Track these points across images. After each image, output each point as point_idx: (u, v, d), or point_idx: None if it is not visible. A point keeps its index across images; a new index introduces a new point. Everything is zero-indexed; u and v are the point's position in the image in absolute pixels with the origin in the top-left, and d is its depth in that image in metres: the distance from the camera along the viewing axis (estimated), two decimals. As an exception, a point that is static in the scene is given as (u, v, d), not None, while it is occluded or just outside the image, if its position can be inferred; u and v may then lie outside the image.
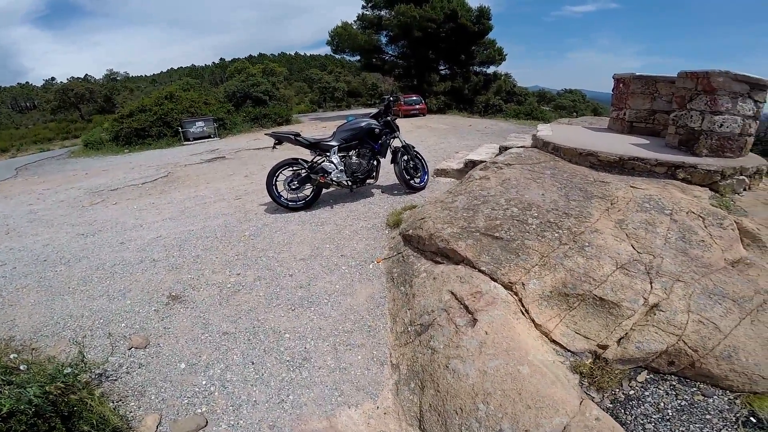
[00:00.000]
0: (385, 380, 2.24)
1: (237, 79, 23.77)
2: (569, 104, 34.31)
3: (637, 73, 5.39)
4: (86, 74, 51.17)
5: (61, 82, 45.56)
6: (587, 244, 2.68)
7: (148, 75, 79.73)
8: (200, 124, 16.63)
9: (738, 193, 3.70)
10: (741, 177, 3.72)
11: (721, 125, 3.90)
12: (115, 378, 2.28)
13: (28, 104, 53.33)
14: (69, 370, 1.95)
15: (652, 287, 2.31)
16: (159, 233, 4.41)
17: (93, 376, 2.23)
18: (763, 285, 2.42)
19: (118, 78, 50.81)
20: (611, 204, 3.18)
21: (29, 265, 3.77)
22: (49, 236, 4.70)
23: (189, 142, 15.81)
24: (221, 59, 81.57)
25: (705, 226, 2.92)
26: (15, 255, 4.08)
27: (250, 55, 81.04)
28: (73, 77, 45.75)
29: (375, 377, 2.26)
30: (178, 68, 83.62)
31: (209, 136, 16.65)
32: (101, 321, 2.80)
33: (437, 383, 2.01)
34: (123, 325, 2.75)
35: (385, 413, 2.03)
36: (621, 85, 5.71)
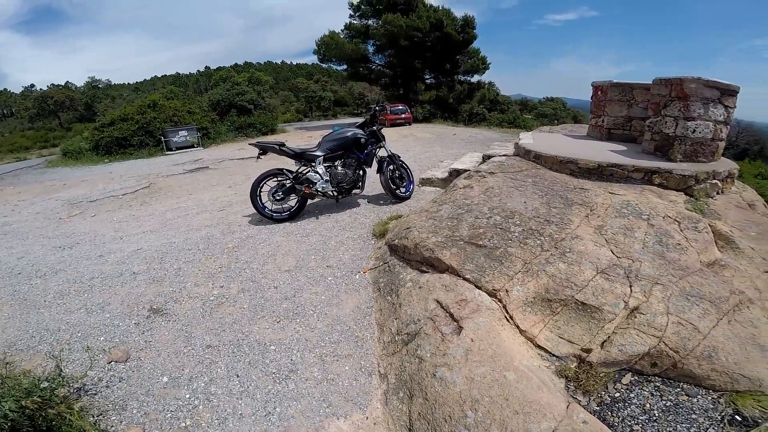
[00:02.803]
0: (373, 390, 2.23)
1: (222, 88, 23.62)
2: (551, 112, 35.05)
3: (615, 81, 5.55)
4: (67, 81, 50.06)
5: (40, 89, 44.49)
6: (568, 250, 2.74)
7: (131, 83, 78.48)
8: (183, 133, 16.41)
9: (711, 197, 3.82)
10: (714, 181, 3.85)
11: (694, 131, 4.04)
12: (94, 392, 2.22)
13: (5, 111, 51.85)
14: (46, 384, 1.90)
15: (632, 291, 2.37)
16: (139, 246, 4.32)
17: (72, 390, 2.17)
18: (738, 286, 2.52)
19: (100, 85, 49.79)
20: (591, 210, 3.25)
21: (2, 278, 3.64)
22: (24, 249, 4.55)
23: (172, 152, 15.57)
24: (206, 67, 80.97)
25: (681, 230, 3.02)
26: (-12, 269, 3.95)
27: (236, 64, 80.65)
28: (53, 84, 44.78)
29: (363, 387, 2.25)
30: (162, 76, 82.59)
31: (192, 146, 16.43)
32: (79, 335, 2.72)
33: (425, 392, 2.01)
34: (102, 338, 2.68)
35: (374, 423, 2.02)
36: (599, 92, 5.87)
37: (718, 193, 3.92)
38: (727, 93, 4.06)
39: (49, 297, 3.25)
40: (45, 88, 42.31)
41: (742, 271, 2.73)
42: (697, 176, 3.73)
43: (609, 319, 2.24)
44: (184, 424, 2.02)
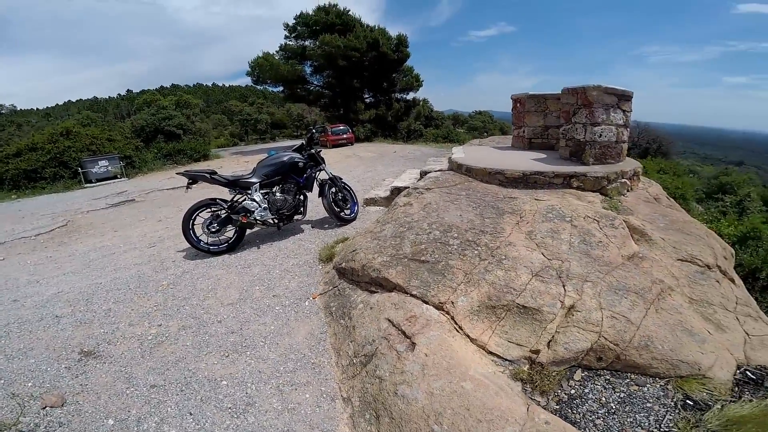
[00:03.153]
0: (338, 415, 2.21)
1: (146, 112, 22.13)
2: (480, 125, 37.25)
3: (530, 93, 5.99)
4: (-36, 105, 44.03)
5: (-69, 115, 38.66)
6: (504, 257, 2.92)
7: (41, 108, 70.86)
8: (104, 163, 15.08)
9: (623, 195, 4.24)
10: (623, 180, 4.29)
11: (600, 135, 4.47)
12: None
13: None
14: None
15: (565, 290, 2.56)
16: (60, 288, 3.91)
17: None
18: (657, 275, 2.79)
19: (3, 111, 44.38)
20: (520, 217, 3.51)
21: None
22: None
23: (91, 184, 14.26)
24: (128, 90, 75.66)
25: (601, 228, 3.32)
26: None
27: (162, 86, 76.31)
28: (-57, 111, 39.05)
29: (327, 413, 2.22)
30: (78, 100, 75.66)
31: (115, 177, 15.15)
32: (1, 381, 2.46)
33: (390, 411, 2.03)
34: (30, 384, 2.44)
35: (343, 449, 1.99)
36: (518, 104, 6.28)
37: (628, 191, 4.35)
38: (623, 98, 4.53)
39: (-45, 351, 2.85)
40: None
41: (658, 261, 3.02)
42: (608, 177, 4.12)
43: (550, 320, 2.38)
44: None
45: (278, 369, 2.57)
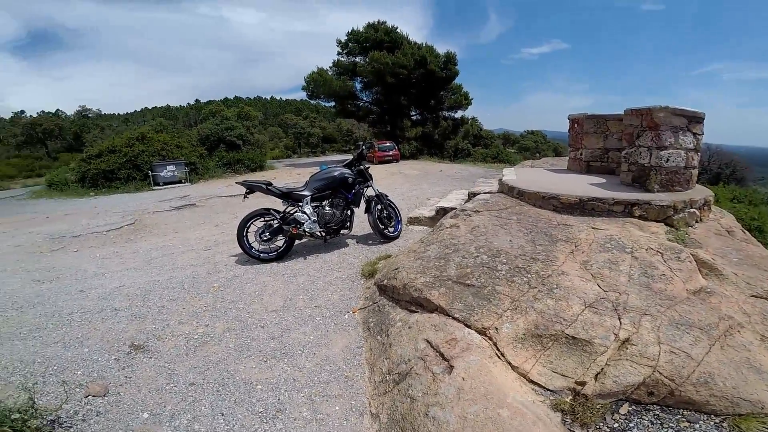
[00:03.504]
0: (364, 430, 2.17)
1: (211, 122, 23.82)
2: (532, 145, 36.21)
3: (589, 113, 5.68)
4: (57, 109, 49.71)
5: (30, 115, 44.04)
6: (555, 286, 2.78)
7: (122, 113, 78.70)
8: (171, 168, 16.35)
9: (691, 226, 3.88)
10: (692, 210, 3.92)
11: (668, 160, 4.11)
12: (69, 425, 2.14)
13: (-8, 137, 50.96)
14: (17, 415, 1.86)
15: (621, 323, 2.40)
16: (122, 282, 4.22)
17: (45, 423, 2.08)
18: (725, 311, 2.56)
19: (90, 115, 49.60)
20: (575, 246, 3.33)
21: (-25, 313, 3.50)
22: (0, 281, 4.41)
23: (159, 187, 15.47)
24: (197, 100, 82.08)
25: (665, 261, 3.08)
26: (-39, 303, 3.79)
27: (226, 98, 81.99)
28: (43, 111, 44.50)
29: (354, 427, 2.19)
30: (153, 107, 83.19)
31: (180, 182, 16.34)
32: (55, 368, 2.64)
33: (418, 431, 1.97)
34: (79, 372, 2.61)
35: (366, 467, 1.95)
36: (576, 125, 5.99)
37: (697, 222, 3.98)
38: (694, 120, 4.16)
39: (24, 330, 3.15)
40: (35, 115, 41.98)
41: (728, 296, 2.78)
42: (675, 206, 3.80)
43: (600, 352, 2.25)
44: (164, 464, 1.91)
45: (312, 379, 2.58)
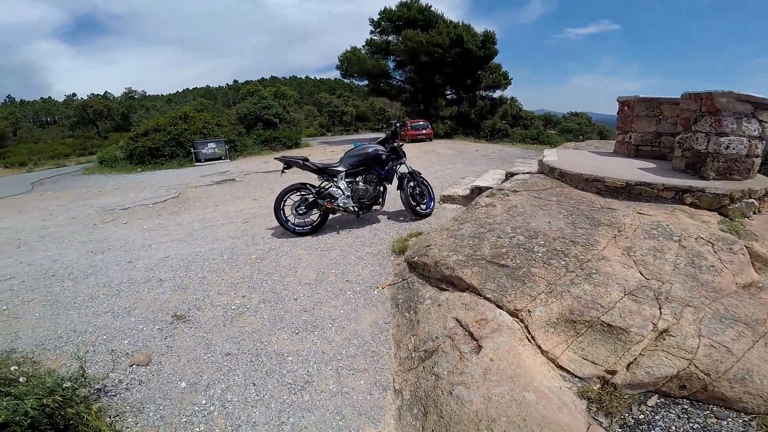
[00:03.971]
0: (387, 405, 2.20)
1: (249, 102, 24.38)
2: (575, 127, 34.50)
3: (642, 96, 5.40)
4: (106, 91, 52.68)
5: (81, 98, 46.96)
6: (594, 271, 2.66)
7: (165, 94, 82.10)
8: (212, 145, 16.97)
9: (748, 217, 3.64)
10: (750, 200, 3.67)
11: (727, 147, 3.87)
12: (114, 393, 2.27)
13: (48, 119, 55.11)
14: (68, 383, 1.96)
15: (661, 313, 2.30)
16: (167, 254, 4.46)
17: (92, 391, 2.23)
18: None
19: (136, 96, 52.22)
20: (618, 231, 3.16)
21: (37, 280, 3.81)
22: (58, 252, 4.77)
23: (200, 164, 16.12)
24: (235, 81, 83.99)
25: (714, 252, 2.90)
26: (24, 269, 4.15)
27: (263, 78, 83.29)
28: (93, 94, 47.27)
29: (377, 402, 2.22)
30: (194, 88, 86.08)
31: (220, 158, 16.95)
32: (104, 337, 2.81)
33: (440, 409, 1.98)
34: (126, 342, 2.77)
35: (386, 439, 1.99)
36: (626, 108, 5.73)
37: (754, 213, 3.73)
38: (761, 107, 3.88)
39: (79, 300, 3.38)
40: (86, 98, 44.63)
41: None
42: (731, 195, 3.57)
43: (636, 341, 2.16)
44: (198, 430, 2.03)
45: (340, 352, 2.63)
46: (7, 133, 32.01)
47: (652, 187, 3.79)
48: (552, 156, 5.82)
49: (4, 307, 3.25)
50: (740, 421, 1.85)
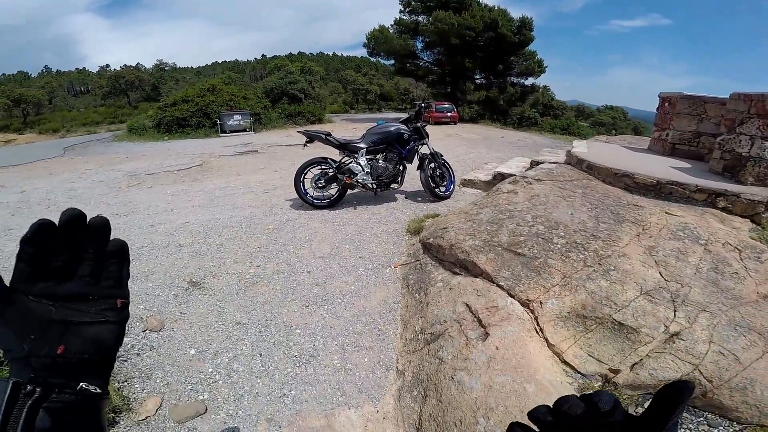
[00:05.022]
0: (388, 385, 2.22)
1: (276, 76, 24.39)
2: (609, 121, 33.23)
3: (685, 93, 5.16)
4: (138, 63, 53.73)
5: (114, 69, 48.07)
6: (613, 267, 2.59)
7: (194, 66, 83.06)
8: (237, 117, 17.14)
9: None
10: None
11: None
12: (125, 359, 2.33)
13: (82, 89, 56.80)
14: None
15: (675, 315, 2.23)
16: (187, 219, 4.56)
17: None
18: None
19: (166, 68, 53.04)
20: (643, 229, 3.05)
21: (62, 240, 3.96)
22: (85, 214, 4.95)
23: (225, 135, 16.32)
24: (263, 55, 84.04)
25: (741, 259, 2.77)
26: (52, 229, 4.31)
27: (290, 53, 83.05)
28: (125, 65, 48.30)
29: (379, 381, 2.25)
30: (223, 62, 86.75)
31: (245, 130, 17.11)
32: None
33: (440, 393, 1.98)
34: (142, 306, 2.84)
35: (384, 418, 2.02)
36: (666, 104, 5.50)
37: None
38: None
39: (101, 261, 3.49)
40: (118, 69, 45.65)
41: None
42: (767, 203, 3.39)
43: (645, 342, 2.11)
44: (201, 398, 2.08)
45: (347, 328, 2.66)
46: (43, 102, 33.15)
47: (684, 188, 3.62)
48: (581, 147, 5.63)
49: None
50: (731, 430, 1.83)
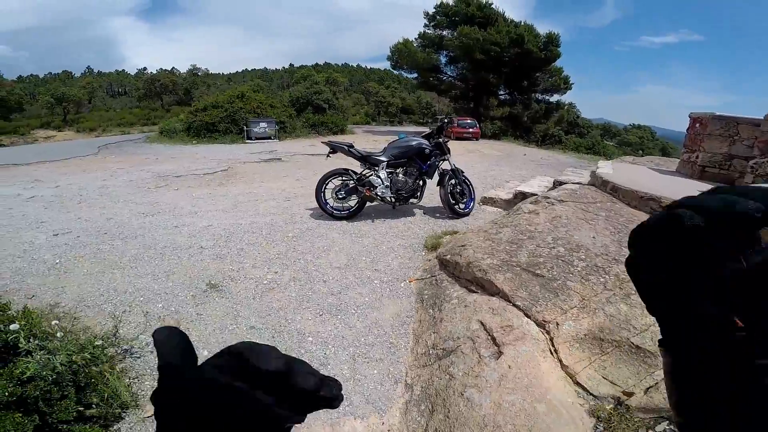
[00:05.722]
0: (396, 398, 2.21)
1: (302, 86, 24.94)
2: (636, 141, 32.51)
3: (717, 113, 5.01)
4: (173, 67, 55.83)
5: (151, 72, 50.19)
6: (633, 292, 2.51)
7: (225, 73, 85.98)
8: (263, 125, 17.54)
9: None
10: None
11: None
12: (138, 356, 2.37)
13: (120, 90, 59.55)
14: (100, 342, 2.04)
15: None
16: (211, 222, 4.68)
17: (119, 351, 2.33)
18: None
19: (199, 73, 54.96)
20: (667, 254, 2.97)
21: (90, 236, 4.13)
22: (113, 211, 5.15)
23: (251, 141, 16.71)
24: (290, 64, 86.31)
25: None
26: (81, 225, 4.51)
27: (317, 63, 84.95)
28: (161, 69, 50.35)
29: (387, 393, 2.23)
30: (252, 69, 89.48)
31: (270, 138, 17.49)
32: (142, 299, 2.96)
33: (448, 409, 1.96)
34: (160, 305, 2.90)
35: (389, 430, 2.00)
36: (697, 124, 5.35)
37: None
38: None
39: (125, 259, 3.61)
40: (155, 72, 47.60)
41: None
42: None
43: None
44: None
45: (359, 339, 2.66)
46: (83, 101, 34.83)
47: (712, 213, 3.51)
48: (606, 168, 5.52)
49: (57, 261, 3.53)
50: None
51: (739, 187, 0.27)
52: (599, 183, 4.77)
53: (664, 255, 0.28)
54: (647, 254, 0.30)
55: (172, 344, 0.31)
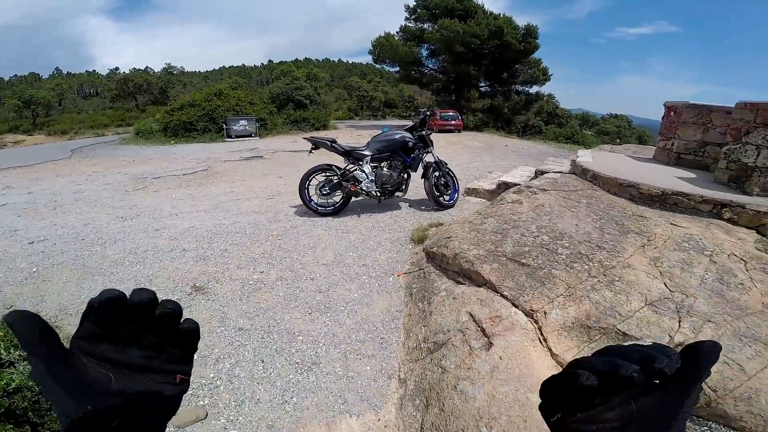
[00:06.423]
0: (390, 393, 2.21)
1: (282, 82, 24.58)
2: (613, 130, 33.21)
3: (691, 102, 5.16)
4: (146, 66, 54.23)
5: (123, 72, 48.61)
6: (617, 278, 2.58)
7: (202, 71, 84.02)
8: (243, 122, 17.24)
9: None
10: None
11: None
12: None
13: (91, 91, 57.53)
14: None
15: (680, 326, 2.23)
16: (192, 224, 4.59)
17: None
18: None
19: (175, 72, 53.52)
20: (648, 240, 3.04)
21: (68, 243, 3.99)
22: (90, 216, 4.99)
23: (231, 139, 16.41)
24: (270, 60, 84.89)
25: (746, 270, 2.77)
26: (57, 231, 4.35)
27: (297, 59, 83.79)
28: (134, 68, 48.77)
29: (381, 389, 2.23)
30: (230, 66, 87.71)
31: (250, 135, 17.21)
32: None
33: (443, 402, 1.97)
34: None
35: (385, 426, 2.01)
36: (672, 113, 5.49)
37: None
38: None
39: (105, 265, 3.51)
40: (127, 72, 46.12)
41: None
42: None
43: None
44: (202, 403, 2.07)
45: (350, 336, 2.65)
46: (52, 104, 33.48)
47: (689, 198, 3.62)
48: (586, 157, 5.63)
49: (35, 269, 3.41)
50: (735, 439, 1.81)
51: (620, 347, 0.34)
52: (579, 171, 4.86)
53: (564, 402, 0.35)
54: (551, 400, 0.37)
55: (30, 327, 0.32)
